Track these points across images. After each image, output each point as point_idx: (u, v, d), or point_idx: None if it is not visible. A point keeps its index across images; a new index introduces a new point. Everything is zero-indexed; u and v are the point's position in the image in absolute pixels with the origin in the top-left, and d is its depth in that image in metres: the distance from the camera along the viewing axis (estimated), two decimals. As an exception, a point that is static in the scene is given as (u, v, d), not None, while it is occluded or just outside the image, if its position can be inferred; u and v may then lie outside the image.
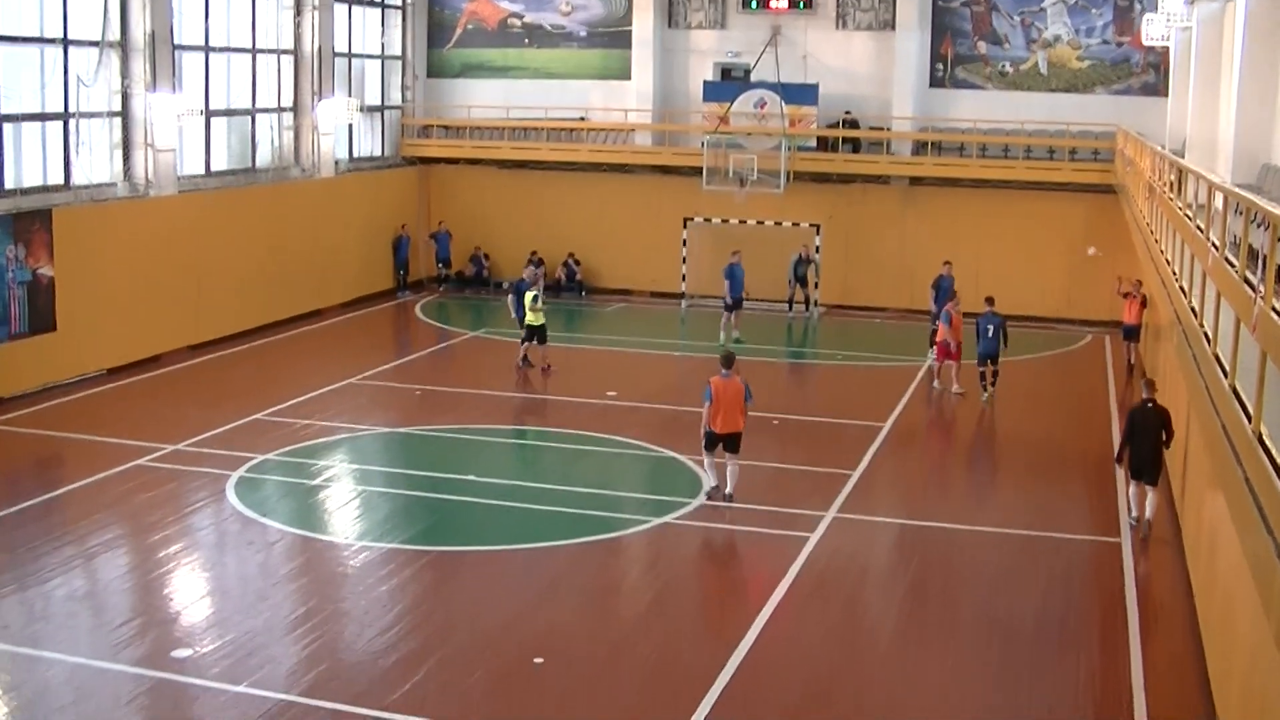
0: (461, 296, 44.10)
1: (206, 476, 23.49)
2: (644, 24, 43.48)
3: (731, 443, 22.31)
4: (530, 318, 31.89)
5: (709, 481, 22.85)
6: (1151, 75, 39.46)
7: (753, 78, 42.20)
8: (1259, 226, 12.27)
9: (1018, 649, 17.17)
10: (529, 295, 31.90)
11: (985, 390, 30.13)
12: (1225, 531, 14.93)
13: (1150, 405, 21.11)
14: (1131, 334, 32.49)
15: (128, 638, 16.84)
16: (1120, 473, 23.01)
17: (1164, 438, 21.02)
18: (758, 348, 35.75)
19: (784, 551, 20.31)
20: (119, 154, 32.30)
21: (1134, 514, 21.67)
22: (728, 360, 22.68)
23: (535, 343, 31.99)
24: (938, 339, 31.04)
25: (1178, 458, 23.01)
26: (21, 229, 28.41)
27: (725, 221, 41.44)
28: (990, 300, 30.43)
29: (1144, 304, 31.46)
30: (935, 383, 31.25)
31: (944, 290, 33.94)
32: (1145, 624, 17.96)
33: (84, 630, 17.21)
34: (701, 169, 40.75)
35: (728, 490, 22.48)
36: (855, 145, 41.63)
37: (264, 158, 38.40)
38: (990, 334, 29.79)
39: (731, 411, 22.11)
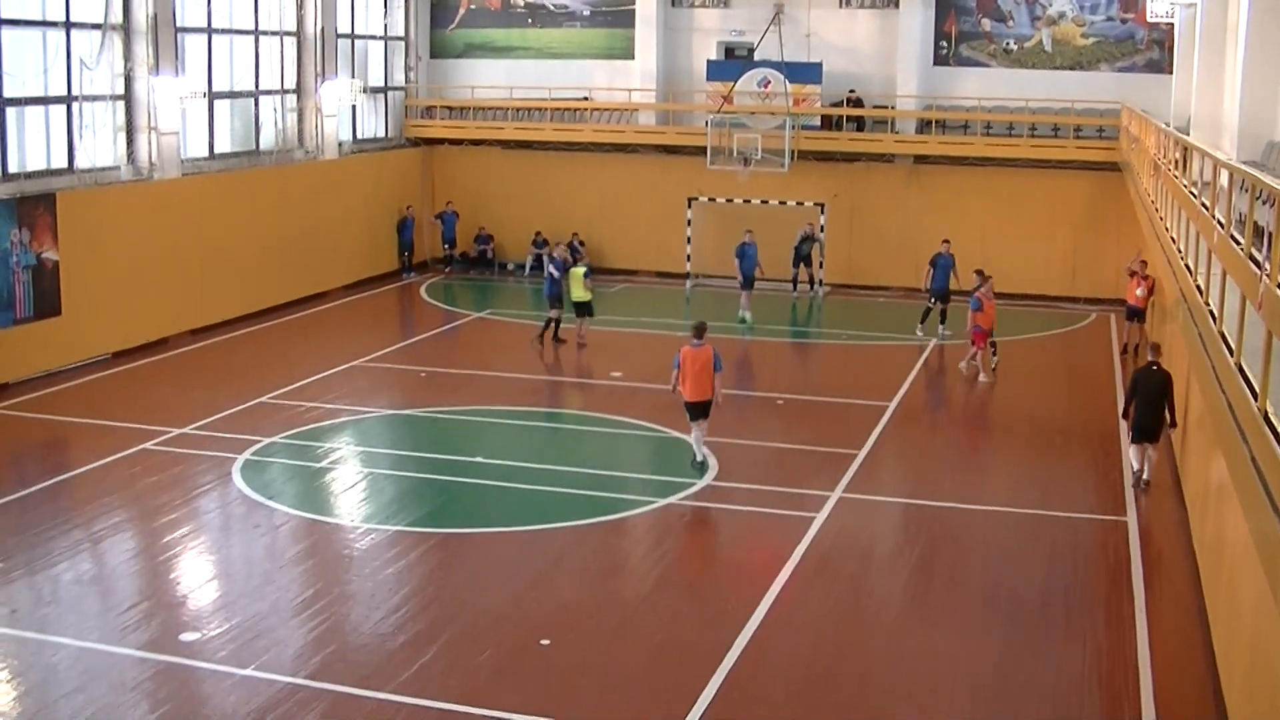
0: (466, 277, 44.08)
1: (212, 460, 23.53)
2: (647, 3, 43.40)
3: (700, 409, 22.96)
4: (580, 294, 32.46)
5: (698, 451, 23.48)
6: (1156, 52, 39.35)
7: (756, 56, 42.13)
8: (1264, 203, 12.25)
9: (1024, 626, 17.18)
10: (579, 271, 32.71)
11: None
12: (1231, 510, 14.93)
13: (1154, 368, 22.24)
14: (1135, 315, 32.04)
15: (135, 621, 16.87)
16: (1125, 431, 23.80)
17: (1167, 400, 22.01)
18: (762, 327, 35.78)
19: (790, 531, 20.33)
20: (122, 137, 32.30)
21: (1136, 469, 22.71)
22: (699, 330, 23.21)
23: (585, 317, 32.67)
24: (973, 325, 30.34)
25: (1183, 435, 23.04)
26: (25, 213, 28.42)
27: (730, 201, 41.42)
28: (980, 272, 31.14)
29: (1151, 288, 30.94)
30: (963, 364, 30.99)
31: (941, 268, 33.96)
32: (1151, 601, 17.98)
33: (91, 614, 17.23)
34: (705, 148, 40.70)
35: (699, 455, 23.28)
36: (859, 124, 41.58)
37: (267, 140, 38.36)
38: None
39: (700, 380, 22.68)
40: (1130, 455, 23.14)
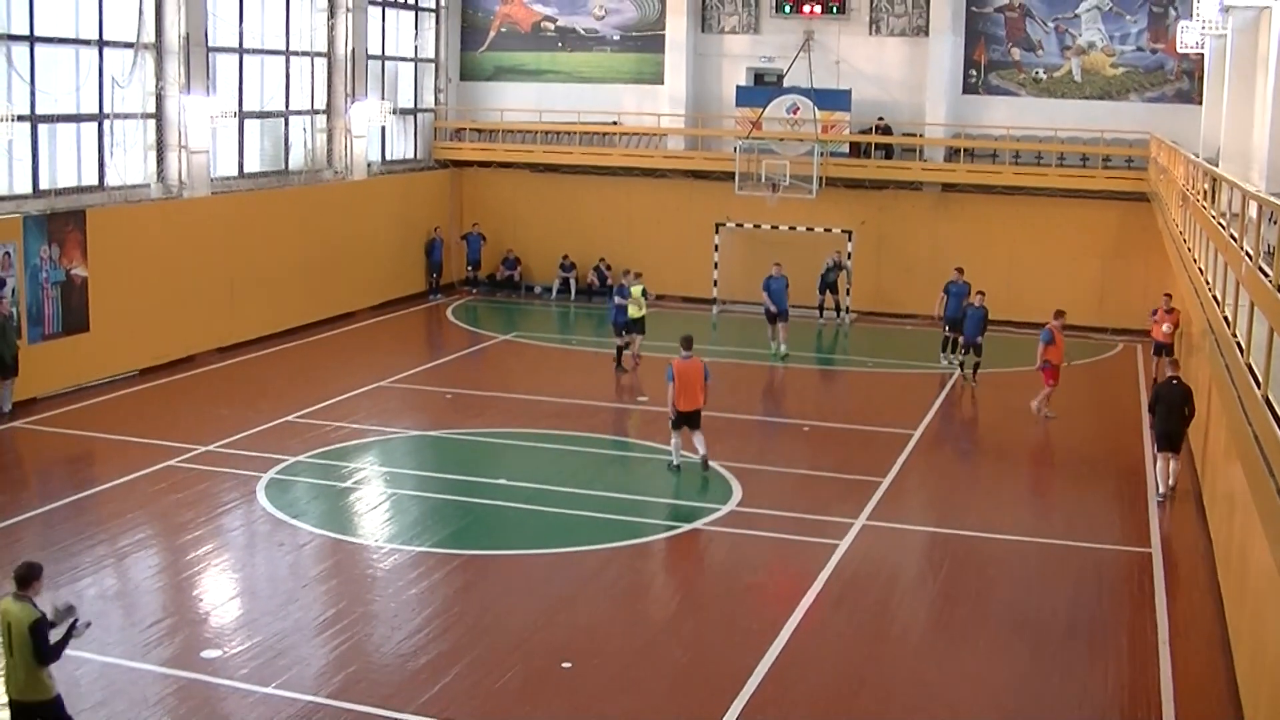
0: (493, 300, 44.16)
1: (237, 478, 23.59)
2: (677, 28, 43.47)
3: (693, 419, 24.43)
4: (635, 310, 32.94)
5: (675, 457, 24.61)
6: (1185, 82, 39.29)
7: (785, 83, 42.17)
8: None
9: (1047, 655, 17.12)
10: (637, 289, 33.10)
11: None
12: (1256, 542, 14.88)
13: (1174, 382, 23.72)
14: (1162, 350, 31.82)
15: (157, 637, 16.92)
16: (1149, 443, 25.64)
17: (1186, 412, 23.46)
18: (789, 353, 35.73)
19: (814, 558, 20.30)
20: (153, 155, 32.47)
21: (1160, 490, 23.78)
22: (687, 343, 24.89)
23: (637, 334, 33.00)
24: (1043, 360, 29.28)
25: (1208, 465, 22.98)
26: (55, 229, 28.57)
27: (757, 227, 41.43)
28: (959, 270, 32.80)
29: (1176, 322, 30.71)
30: (1034, 404, 29.71)
31: (954, 296, 33.89)
32: (1174, 631, 17.90)
33: (114, 629, 17.27)
34: (734, 174, 40.73)
35: (702, 453, 24.37)
36: (888, 151, 41.56)
37: (297, 160, 38.53)
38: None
39: (692, 390, 24.27)
40: (1156, 471, 24.21)
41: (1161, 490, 23.68)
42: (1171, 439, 23.52)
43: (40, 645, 12.44)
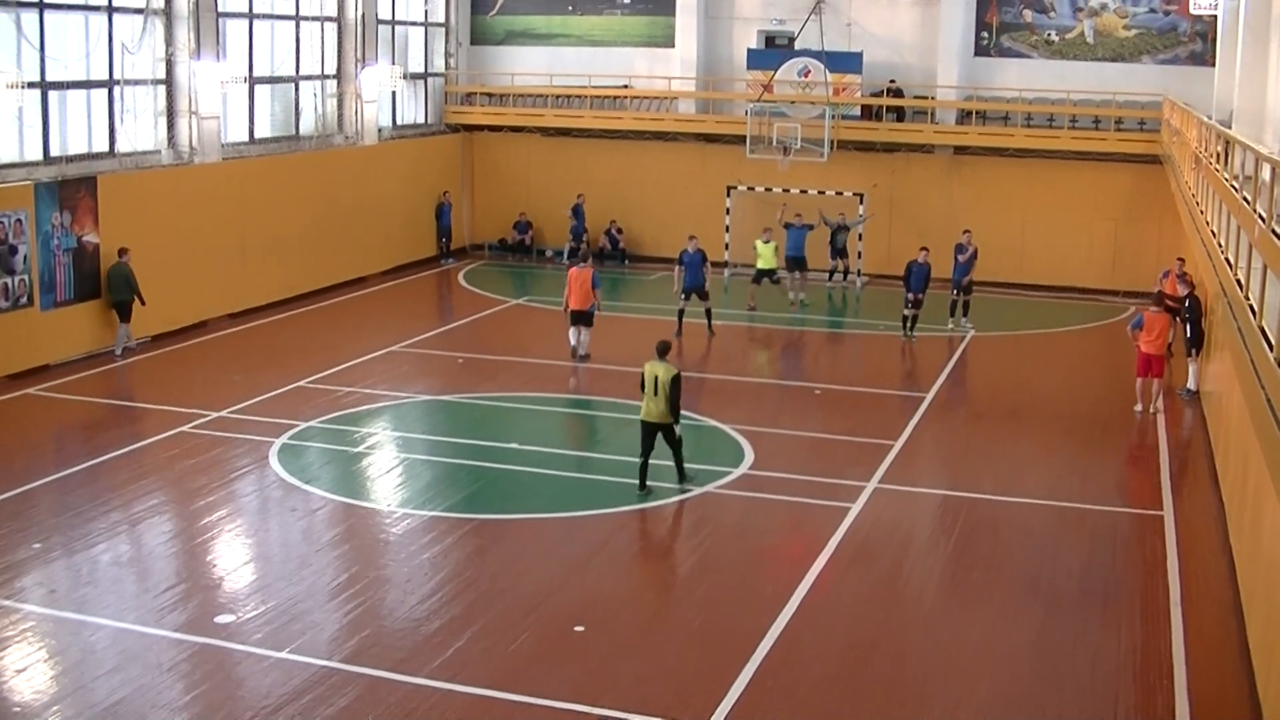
0: (504, 264, 44.16)
1: (250, 443, 23.64)
2: (688, -9, 43.39)
3: (583, 317, 29.99)
4: (768, 262, 35.97)
5: (571, 346, 30.30)
6: (1199, 44, 39.12)
7: (797, 45, 41.99)
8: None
9: (1059, 617, 17.16)
10: (769, 247, 35.57)
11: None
12: (1269, 505, 14.88)
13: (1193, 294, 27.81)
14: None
15: (171, 603, 16.98)
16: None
17: (1203, 318, 27.27)
18: (799, 317, 35.75)
19: (826, 520, 20.34)
20: (163, 121, 32.45)
21: (1193, 388, 28.09)
22: (584, 256, 32.07)
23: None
24: (1139, 345, 27.38)
25: (1221, 428, 22.96)
26: (67, 196, 28.58)
27: (769, 190, 41.34)
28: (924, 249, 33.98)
29: (1192, 286, 29.90)
30: (1138, 406, 27.49)
31: (962, 255, 33.98)
32: (1186, 594, 17.93)
33: (128, 595, 17.35)
34: (745, 137, 40.60)
35: (582, 352, 30.18)
36: (899, 114, 41.47)
37: (308, 125, 38.47)
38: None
39: (580, 294, 29.56)
40: (1191, 373, 28.32)
41: (1193, 388, 28.04)
42: (1200, 343, 27.51)
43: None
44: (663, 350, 21.66)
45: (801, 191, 40.93)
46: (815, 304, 37.51)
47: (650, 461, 21.28)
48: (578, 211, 43.55)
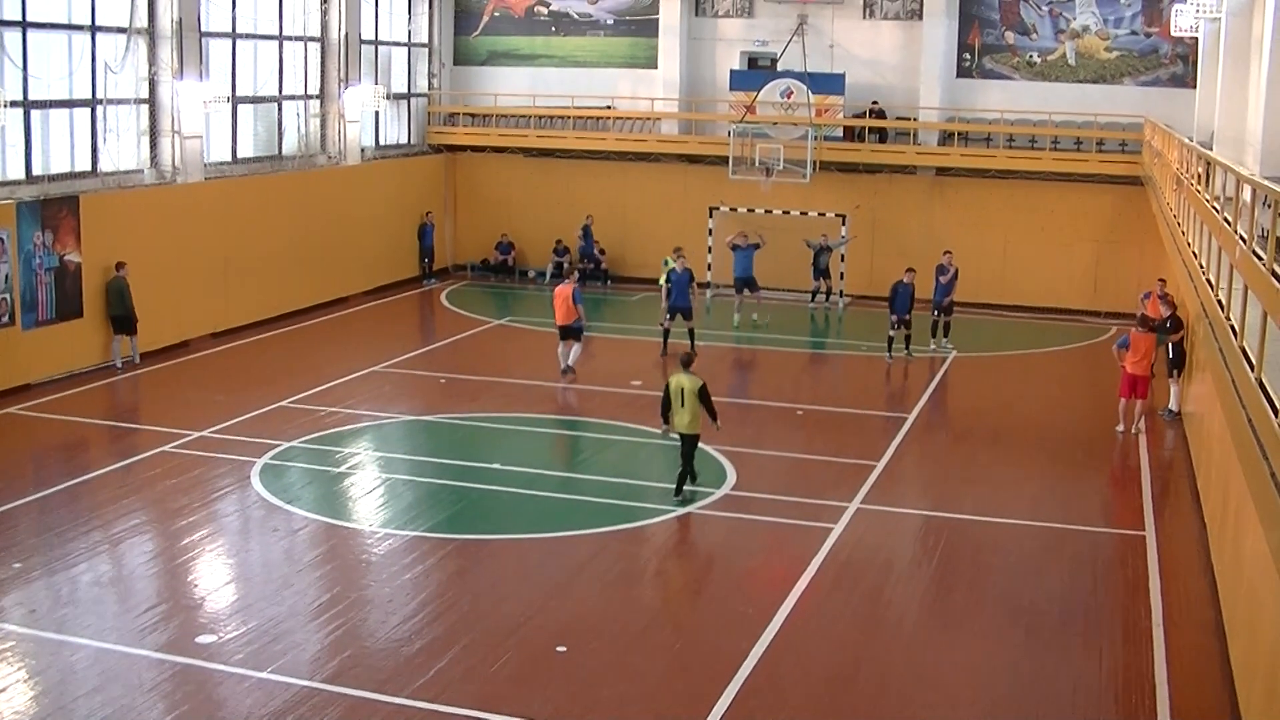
0: (487, 284, 44.14)
1: (232, 463, 23.59)
2: (671, 12, 43.45)
3: (569, 332, 30.27)
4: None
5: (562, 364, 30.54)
6: (1180, 66, 39.28)
7: (779, 67, 42.13)
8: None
9: (1042, 639, 17.15)
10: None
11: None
12: (1250, 526, 14.90)
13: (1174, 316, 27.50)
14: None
15: (152, 623, 16.93)
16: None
17: (1184, 338, 27.42)
18: (782, 338, 35.77)
19: (808, 542, 20.32)
20: (146, 141, 32.43)
21: (1174, 409, 28.32)
22: (568, 273, 32.63)
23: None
24: (1124, 366, 27.57)
25: (1203, 449, 23.00)
26: (49, 215, 28.54)
27: (751, 211, 41.38)
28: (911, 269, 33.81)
29: (1173, 306, 29.64)
30: (1120, 427, 27.40)
31: (943, 276, 34.07)
32: (1169, 615, 17.93)
33: (109, 615, 17.28)
34: (728, 158, 40.67)
35: (567, 363, 30.46)
36: (882, 135, 41.56)
37: (290, 145, 38.46)
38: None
39: (562, 309, 30.00)
40: (1172, 395, 28.56)
41: (1175, 409, 28.31)
42: (1182, 364, 27.91)
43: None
44: (686, 362, 22.16)
45: (784, 212, 41.01)
46: (787, 324, 37.36)
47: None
48: (587, 233, 43.58)
